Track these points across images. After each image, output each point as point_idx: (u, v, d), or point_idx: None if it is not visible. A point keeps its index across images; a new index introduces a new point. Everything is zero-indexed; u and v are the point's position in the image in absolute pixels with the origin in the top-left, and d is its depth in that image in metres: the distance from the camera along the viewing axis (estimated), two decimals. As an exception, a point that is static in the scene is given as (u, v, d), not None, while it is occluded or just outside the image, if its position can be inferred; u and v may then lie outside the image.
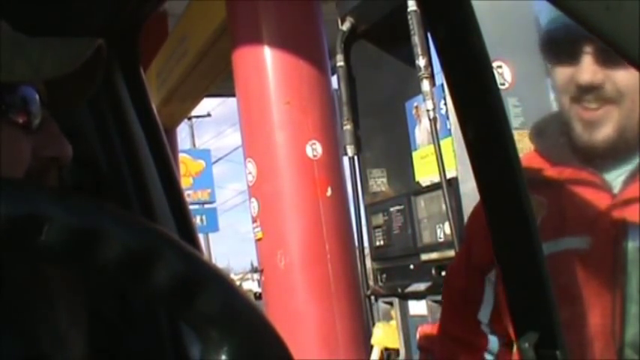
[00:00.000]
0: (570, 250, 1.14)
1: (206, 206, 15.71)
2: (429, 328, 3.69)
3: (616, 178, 1.17)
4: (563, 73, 1.16)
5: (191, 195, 14.44)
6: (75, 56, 0.77)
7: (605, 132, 1.13)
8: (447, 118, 4.30)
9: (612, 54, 1.13)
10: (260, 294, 4.69)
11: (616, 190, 1.17)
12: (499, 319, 1.26)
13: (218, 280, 0.53)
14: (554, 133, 1.21)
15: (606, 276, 1.14)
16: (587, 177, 1.18)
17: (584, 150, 1.16)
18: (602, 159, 1.16)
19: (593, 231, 1.15)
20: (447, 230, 4.09)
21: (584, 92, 1.14)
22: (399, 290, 4.54)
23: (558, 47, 1.16)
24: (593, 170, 1.18)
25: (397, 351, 4.57)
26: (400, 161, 5.05)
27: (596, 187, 1.18)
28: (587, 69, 1.13)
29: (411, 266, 4.50)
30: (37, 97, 0.79)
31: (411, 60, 4.41)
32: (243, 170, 4.05)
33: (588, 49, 1.13)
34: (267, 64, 3.93)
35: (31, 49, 0.76)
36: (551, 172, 1.20)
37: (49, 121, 0.81)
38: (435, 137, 4.21)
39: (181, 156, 13.54)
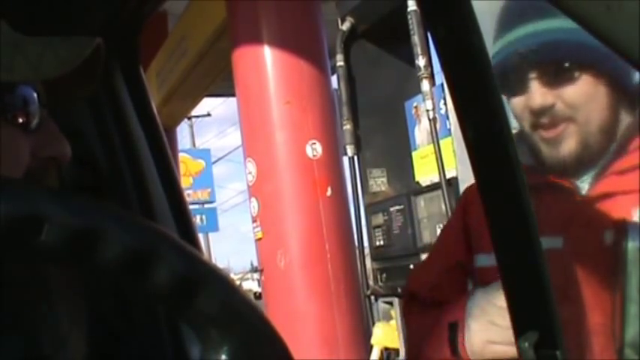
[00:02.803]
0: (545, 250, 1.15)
1: (206, 206, 15.71)
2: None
3: (582, 181, 1.20)
4: (516, 102, 1.20)
5: (191, 195, 14.44)
6: (74, 55, 0.77)
7: (568, 146, 1.17)
8: (447, 118, 4.30)
9: (559, 73, 1.17)
10: (260, 294, 4.70)
11: (585, 190, 1.20)
12: None
13: (218, 280, 0.53)
14: (519, 139, 1.23)
15: (606, 276, 1.14)
16: (555, 181, 1.21)
17: (554, 167, 1.20)
18: (572, 169, 1.20)
19: (566, 230, 1.17)
20: (447, 230, 4.09)
21: (539, 116, 1.18)
22: (399, 290, 4.54)
23: (506, 78, 1.20)
24: (560, 176, 1.21)
25: (397, 351, 4.57)
26: (400, 161, 5.05)
27: (565, 190, 1.20)
28: (536, 93, 1.17)
29: (411, 266, 4.50)
30: (35, 96, 0.78)
31: (410, 60, 4.42)
32: (243, 170, 4.05)
33: (533, 74, 1.17)
34: (267, 64, 3.93)
35: (30, 48, 0.76)
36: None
37: (47, 121, 0.81)
38: (435, 137, 4.21)
39: (181, 156, 13.55)
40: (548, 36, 1.17)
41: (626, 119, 1.19)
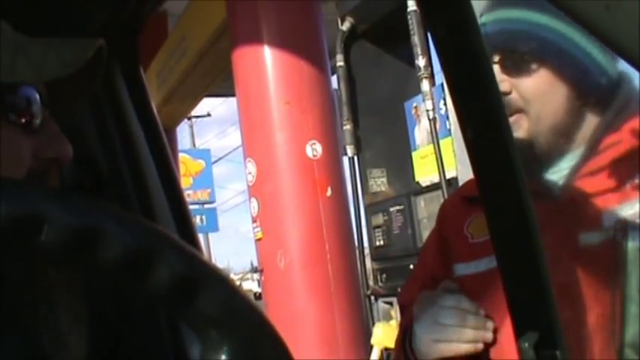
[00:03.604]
0: None
1: (206, 206, 15.71)
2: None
3: (554, 184, 1.20)
4: None
5: (191, 195, 14.44)
6: (76, 57, 0.77)
7: (517, 137, 1.16)
8: (447, 118, 4.30)
9: (518, 62, 1.17)
10: (260, 294, 4.70)
11: (557, 193, 1.20)
12: None
13: (218, 280, 0.53)
14: None
15: (606, 276, 1.14)
16: (531, 186, 1.21)
17: None
18: (527, 165, 1.21)
19: (543, 235, 1.17)
20: (447, 230, 4.09)
21: None
22: (399, 290, 4.53)
23: None
24: (530, 179, 1.21)
25: (397, 351, 4.57)
26: (400, 161, 5.05)
27: (537, 194, 1.21)
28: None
29: (411, 266, 4.49)
30: (37, 97, 0.79)
31: (410, 60, 4.42)
32: (243, 170, 4.05)
33: (495, 58, 1.18)
34: (267, 64, 3.93)
35: (32, 49, 0.76)
36: None
37: (49, 122, 0.81)
38: (435, 137, 4.21)
39: (181, 156, 13.55)
40: (519, 25, 1.18)
41: (593, 120, 1.19)
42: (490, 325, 1.15)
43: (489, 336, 1.15)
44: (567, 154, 1.20)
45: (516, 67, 1.18)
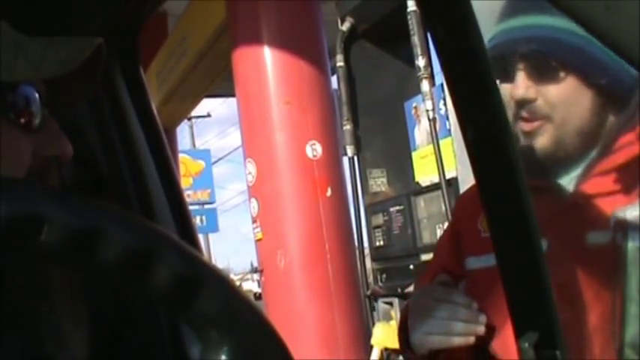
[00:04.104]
0: None
1: (206, 206, 15.70)
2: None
3: (567, 183, 1.21)
4: (503, 89, 1.22)
5: (191, 195, 14.43)
6: (75, 55, 0.77)
7: (541, 143, 1.18)
8: (447, 118, 4.30)
9: (544, 70, 1.18)
10: (260, 294, 4.70)
11: (569, 192, 1.21)
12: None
13: (218, 280, 0.53)
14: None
15: (606, 276, 1.14)
16: (539, 184, 1.22)
17: (528, 160, 1.22)
18: (548, 168, 1.21)
19: (550, 233, 1.18)
20: (447, 230, 4.09)
21: (520, 107, 1.19)
22: (399, 290, 4.54)
23: (497, 65, 1.21)
24: (544, 178, 1.22)
25: (397, 351, 4.57)
26: (400, 161, 5.05)
27: (549, 192, 1.22)
28: (521, 85, 1.18)
29: (411, 266, 4.51)
30: (37, 96, 0.79)
31: (410, 60, 4.42)
32: (243, 170, 4.05)
33: (521, 65, 1.18)
34: (267, 64, 3.93)
35: (31, 48, 0.76)
36: None
37: (48, 120, 0.81)
38: (435, 137, 4.21)
39: (181, 156, 13.54)
40: (546, 32, 1.18)
41: (611, 122, 1.19)
42: (482, 319, 1.16)
43: (481, 330, 1.15)
44: (586, 155, 1.20)
45: (542, 74, 1.18)
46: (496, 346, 1.19)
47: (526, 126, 1.20)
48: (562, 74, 1.17)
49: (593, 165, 1.19)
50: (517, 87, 1.19)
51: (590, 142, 1.20)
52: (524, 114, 1.19)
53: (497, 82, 1.22)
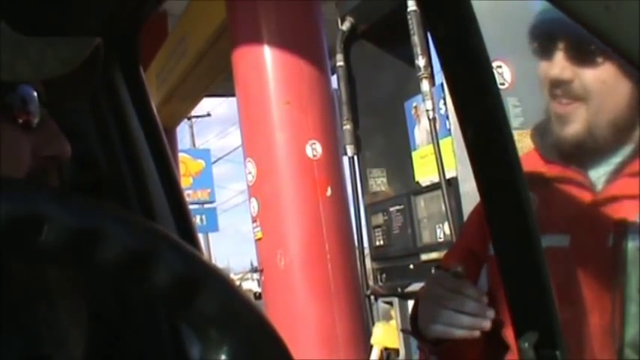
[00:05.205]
0: (551, 248, 1.15)
1: (206, 206, 15.70)
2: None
3: (598, 177, 1.20)
4: (541, 67, 1.22)
5: (191, 195, 14.43)
6: (75, 55, 0.77)
7: (573, 128, 1.18)
8: (447, 118, 4.30)
9: (583, 53, 1.17)
10: (260, 294, 4.70)
11: (598, 188, 1.20)
12: (490, 304, 1.29)
13: (218, 280, 0.53)
14: (547, 131, 1.25)
15: (606, 276, 1.14)
16: (572, 175, 1.21)
17: (558, 145, 1.21)
18: (578, 156, 1.20)
19: (573, 229, 1.17)
20: (447, 230, 4.09)
21: (555, 87, 1.19)
22: (399, 290, 4.53)
23: (537, 42, 1.22)
24: (577, 169, 1.21)
25: (397, 351, 4.57)
26: (400, 161, 5.04)
27: (579, 186, 1.21)
28: (558, 64, 1.18)
29: (411, 266, 4.50)
30: (36, 96, 0.79)
31: (410, 60, 4.41)
32: (243, 170, 4.05)
33: (561, 45, 1.18)
34: (267, 64, 3.93)
35: (31, 48, 0.76)
36: (543, 169, 1.25)
37: (47, 120, 0.81)
38: (435, 137, 4.21)
39: (181, 156, 13.54)
40: None
41: None
42: (490, 313, 1.15)
43: (487, 325, 1.14)
44: (618, 150, 1.19)
45: (581, 56, 1.17)
46: (508, 333, 1.19)
47: (560, 108, 1.19)
48: (600, 59, 1.16)
49: (625, 164, 1.19)
50: (554, 66, 1.19)
51: (622, 137, 1.19)
52: (558, 94, 1.19)
53: (538, 59, 1.22)
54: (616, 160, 1.19)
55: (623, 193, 1.16)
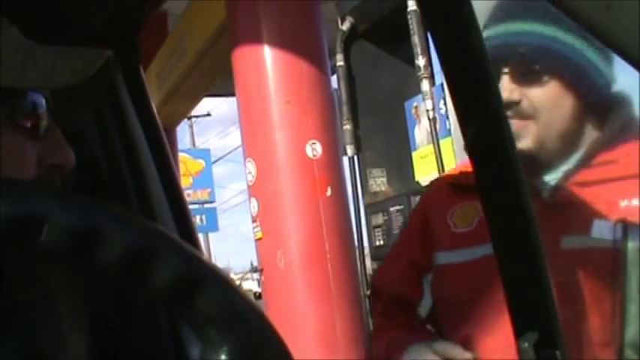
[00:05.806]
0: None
1: (206, 206, 15.70)
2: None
3: (548, 185, 1.25)
4: None
5: (191, 195, 14.42)
6: (85, 67, 0.78)
7: (525, 143, 1.23)
8: (447, 118, 4.30)
9: (528, 73, 1.22)
10: (260, 294, 4.70)
11: (545, 195, 1.23)
12: (436, 316, 1.34)
13: (218, 280, 0.53)
14: None
15: (606, 276, 1.14)
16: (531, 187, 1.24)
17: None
18: (531, 167, 1.24)
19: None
20: (447, 230, 4.08)
21: (506, 108, 1.23)
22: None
23: None
24: (528, 178, 1.24)
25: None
26: (400, 161, 5.05)
27: (536, 195, 1.24)
28: (506, 88, 1.24)
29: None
30: (44, 103, 0.79)
31: (410, 60, 4.42)
32: (243, 170, 4.05)
33: (505, 69, 1.24)
34: (267, 64, 3.93)
35: (41, 56, 0.76)
36: None
37: (53, 129, 0.81)
38: (435, 137, 4.21)
39: (181, 156, 13.53)
40: (530, 38, 1.23)
41: (592, 133, 1.24)
42: None
43: None
44: (566, 159, 1.24)
45: (527, 77, 1.23)
46: (464, 340, 1.21)
47: (514, 126, 1.23)
48: (545, 78, 1.22)
49: (571, 174, 1.24)
50: (502, 89, 1.23)
51: (570, 148, 1.24)
52: (509, 114, 1.23)
53: None
54: (565, 168, 1.24)
55: (572, 201, 1.21)
